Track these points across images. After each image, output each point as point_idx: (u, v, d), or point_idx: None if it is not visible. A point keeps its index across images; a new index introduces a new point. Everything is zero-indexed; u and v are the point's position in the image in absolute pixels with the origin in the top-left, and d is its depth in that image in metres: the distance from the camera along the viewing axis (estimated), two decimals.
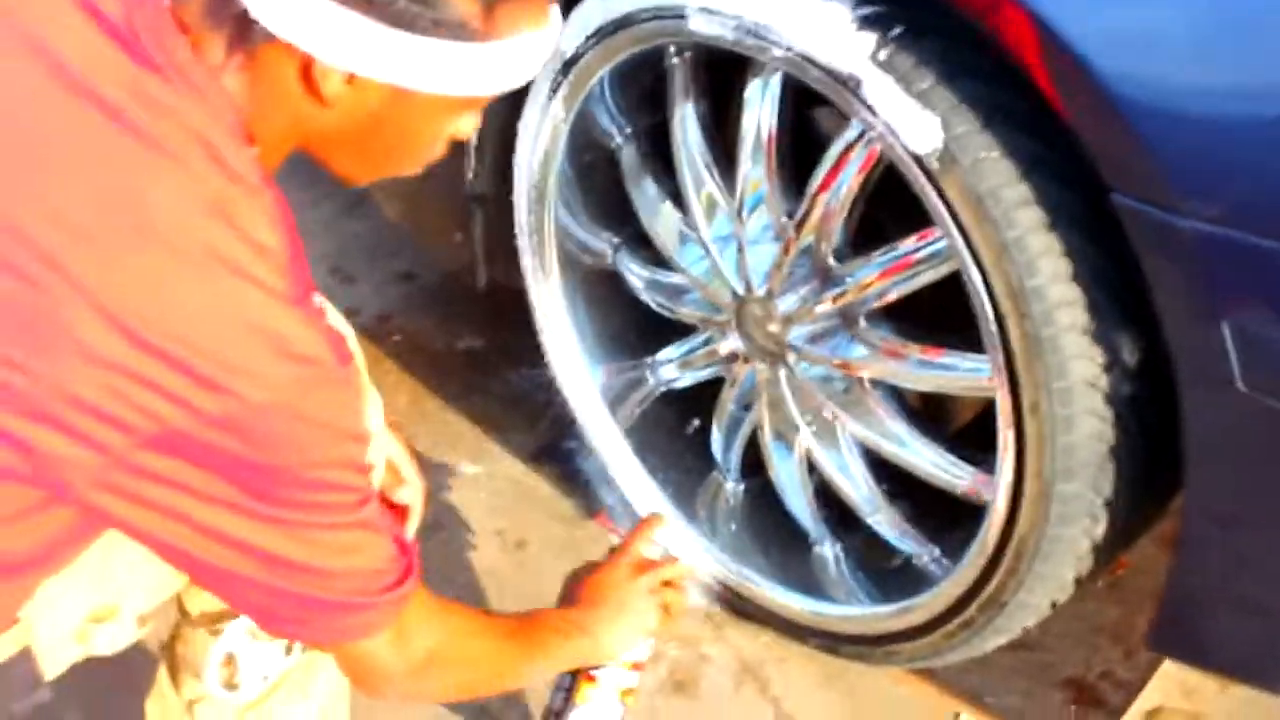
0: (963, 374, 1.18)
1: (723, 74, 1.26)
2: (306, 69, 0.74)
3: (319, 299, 0.80)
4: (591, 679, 1.18)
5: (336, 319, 0.95)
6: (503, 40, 0.75)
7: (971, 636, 1.25)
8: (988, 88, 1.02)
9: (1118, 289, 1.02)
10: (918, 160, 1.04)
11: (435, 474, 1.57)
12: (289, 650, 1.05)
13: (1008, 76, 1.01)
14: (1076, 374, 1.04)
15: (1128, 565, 1.43)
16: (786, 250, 1.23)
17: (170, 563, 0.81)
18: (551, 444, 1.68)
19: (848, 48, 1.05)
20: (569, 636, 1.11)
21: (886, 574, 1.37)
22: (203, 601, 1.03)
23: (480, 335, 1.83)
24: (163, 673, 1.11)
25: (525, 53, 0.77)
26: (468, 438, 1.68)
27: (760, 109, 1.20)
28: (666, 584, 1.18)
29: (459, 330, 1.84)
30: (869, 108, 1.05)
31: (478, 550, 1.56)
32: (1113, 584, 1.47)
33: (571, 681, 1.18)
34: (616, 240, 1.44)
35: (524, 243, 1.45)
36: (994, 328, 1.05)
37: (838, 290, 1.23)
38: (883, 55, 1.03)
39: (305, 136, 0.80)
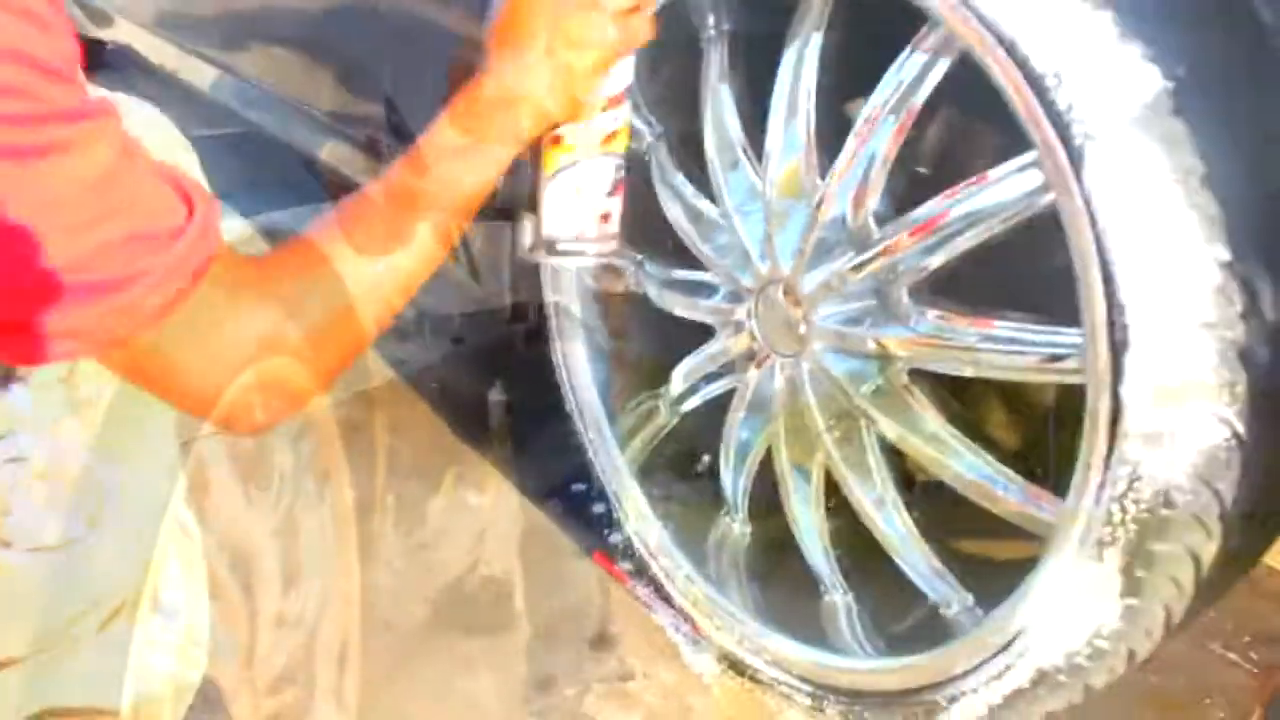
0: (1037, 349, 0.93)
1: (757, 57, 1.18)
2: None
3: None
4: (556, 141, 0.91)
5: None
6: None
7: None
8: None
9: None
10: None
11: (441, 497, 1.56)
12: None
13: None
14: None
15: None
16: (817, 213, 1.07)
17: None
18: (562, 485, 1.59)
19: None
20: (479, 102, 0.85)
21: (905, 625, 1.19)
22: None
23: (511, 391, 1.77)
24: None
25: None
26: (481, 472, 1.62)
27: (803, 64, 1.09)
28: None
29: (492, 384, 1.79)
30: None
31: (450, 575, 1.46)
32: None
33: (534, 158, 0.93)
34: (639, 258, 1.35)
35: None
36: (1100, 288, 0.80)
37: (869, 254, 1.04)
38: None
39: None
